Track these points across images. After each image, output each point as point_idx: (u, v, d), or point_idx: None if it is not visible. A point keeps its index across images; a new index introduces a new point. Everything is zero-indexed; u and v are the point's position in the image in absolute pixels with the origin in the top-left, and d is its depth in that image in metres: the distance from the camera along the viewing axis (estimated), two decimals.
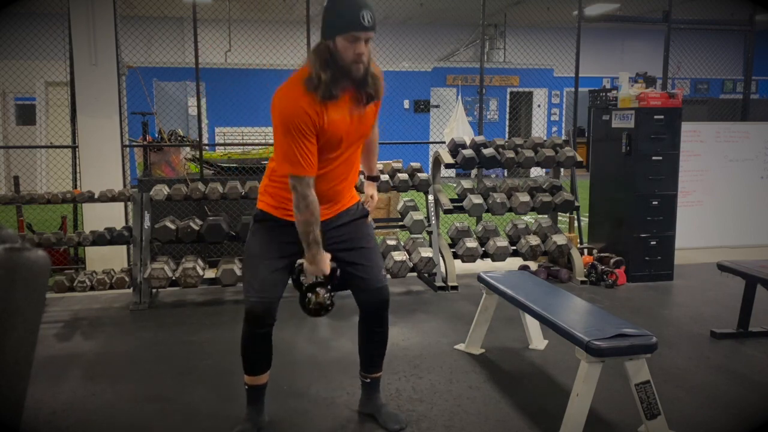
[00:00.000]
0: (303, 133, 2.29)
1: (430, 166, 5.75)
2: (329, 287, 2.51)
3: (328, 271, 2.47)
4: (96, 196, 4.90)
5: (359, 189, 3.26)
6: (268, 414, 2.80)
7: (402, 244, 5.18)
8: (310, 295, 2.49)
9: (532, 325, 3.78)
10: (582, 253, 5.54)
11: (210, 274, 4.84)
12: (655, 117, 5.19)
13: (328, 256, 2.48)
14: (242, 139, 10.99)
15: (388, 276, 4.97)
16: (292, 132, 2.29)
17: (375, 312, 2.69)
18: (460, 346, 3.78)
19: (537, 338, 3.79)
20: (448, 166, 5.37)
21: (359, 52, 2.27)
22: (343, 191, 2.61)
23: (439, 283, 5.08)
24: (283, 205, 2.52)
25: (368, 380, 2.86)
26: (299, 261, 2.52)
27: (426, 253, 4.96)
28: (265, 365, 2.70)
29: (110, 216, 5.31)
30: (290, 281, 2.59)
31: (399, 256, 4.88)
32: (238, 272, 4.71)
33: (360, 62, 2.29)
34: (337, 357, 3.62)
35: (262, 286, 2.51)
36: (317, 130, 2.32)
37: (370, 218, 2.76)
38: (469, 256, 5.12)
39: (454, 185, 5.70)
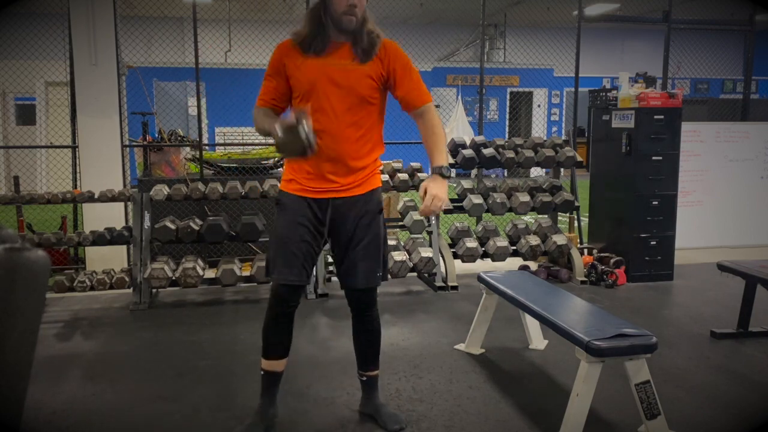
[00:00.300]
0: (270, 69, 2.53)
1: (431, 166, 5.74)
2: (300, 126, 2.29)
3: (292, 120, 2.30)
4: (96, 196, 4.90)
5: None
6: (279, 408, 2.78)
7: (402, 244, 5.18)
8: (283, 137, 2.32)
9: (532, 325, 3.78)
10: (582, 253, 5.54)
11: (210, 274, 4.84)
12: (655, 117, 5.19)
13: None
14: (242, 139, 10.97)
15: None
16: (268, 66, 2.54)
17: (358, 310, 2.72)
18: (460, 346, 3.77)
19: (537, 338, 3.79)
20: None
21: (351, 3, 2.37)
22: (345, 162, 2.49)
23: (439, 283, 5.08)
24: (290, 176, 2.58)
25: (364, 378, 2.85)
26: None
27: (426, 253, 4.96)
28: (282, 350, 2.68)
29: (110, 216, 5.31)
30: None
31: (399, 256, 4.88)
32: (238, 272, 4.72)
33: (352, 14, 2.38)
34: (337, 357, 3.62)
35: (286, 267, 2.53)
36: (285, 70, 2.48)
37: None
38: (469, 256, 5.12)
39: (454, 185, 5.70)
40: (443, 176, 2.48)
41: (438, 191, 2.44)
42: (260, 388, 2.74)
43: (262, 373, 2.71)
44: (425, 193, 2.45)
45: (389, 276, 4.91)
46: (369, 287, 2.67)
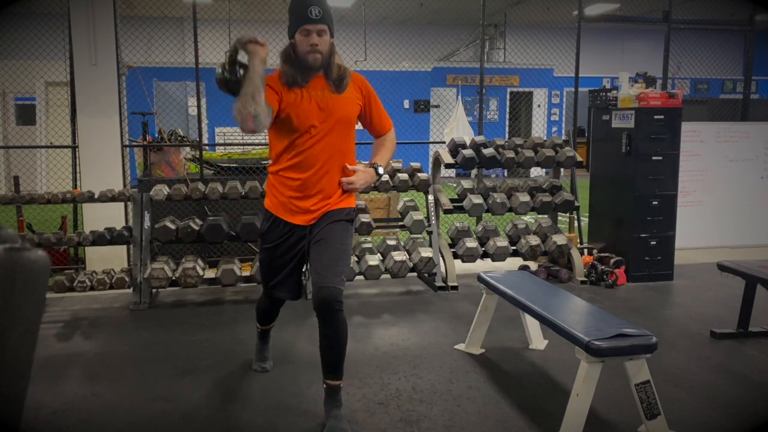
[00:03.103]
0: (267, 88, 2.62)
1: (430, 166, 5.75)
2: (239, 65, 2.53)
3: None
4: (96, 196, 4.90)
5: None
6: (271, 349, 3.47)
7: (402, 244, 5.18)
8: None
9: (532, 325, 3.78)
10: (582, 253, 5.54)
11: (210, 274, 4.84)
12: (655, 117, 5.19)
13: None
14: (242, 139, 10.98)
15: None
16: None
17: (319, 312, 2.66)
18: (460, 346, 3.78)
19: (537, 338, 3.79)
20: (448, 166, 5.37)
21: (312, 43, 2.61)
22: (327, 185, 2.74)
23: (439, 283, 5.08)
24: (274, 193, 2.82)
25: (324, 385, 2.78)
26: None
27: (426, 253, 4.96)
28: (273, 319, 3.33)
29: (110, 216, 5.31)
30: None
31: (399, 256, 4.88)
32: (238, 272, 4.72)
33: (315, 52, 2.62)
34: None
35: (277, 287, 2.95)
36: (280, 95, 2.66)
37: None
38: (469, 256, 5.12)
39: (454, 185, 5.70)
40: (376, 171, 2.83)
41: (363, 177, 2.78)
42: (256, 337, 3.46)
43: (257, 330, 3.41)
44: (353, 172, 2.77)
45: (390, 276, 4.93)
46: (336, 287, 2.71)
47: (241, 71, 2.49)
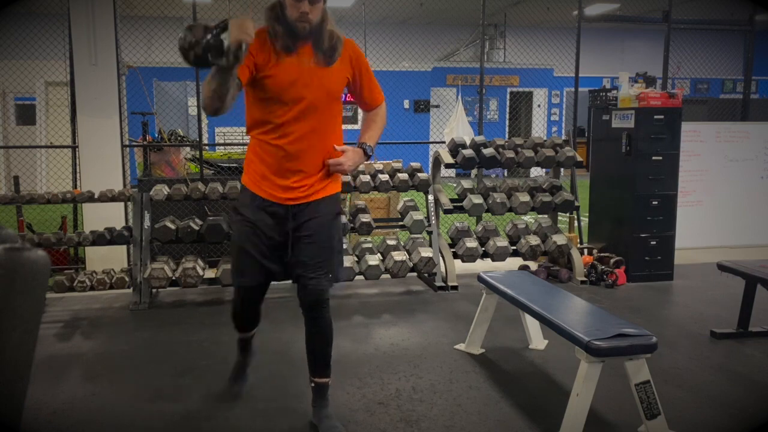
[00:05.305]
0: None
1: (430, 166, 5.75)
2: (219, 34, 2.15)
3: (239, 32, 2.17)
4: (96, 196, 4.90)
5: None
6: (257, 353, 3.08)
7: (402, 244, 5.18)
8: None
9: (532, 325, 3.78)
10: (582, 253, 5.54)
11: (210, 274, 4.84)
12: (655, 117, 5.19)
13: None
14: (242, 139, 10.98)
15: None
16: None
17: (307, 311, 2.63)
18: (460, 346, 3.78)
19: (537, 338, 3.79)
20: (448, 166, 5.37)
21: (303, 11, 2.36)
22: (312, 163, 2.53)
23: (439, 283, 5.08)
24: (252, 168, 2.57)
25: (312, 384, 2.75)
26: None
27: (426, 253, 4.96)
28: (254, 325, 2.93)
29: (110, 216, 5.31)
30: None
31: (399, 256, 4.88)
32: None
33: (304, 21, 2.38)
34: (336, 357, 3.59)
35: (247, 272, 2.61)
36: (260, 59, 2.40)
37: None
38: (469, 256, 5.12)
39: (454, 185, 5.70)
40: (365, 152, 2.64)
41: (352, 158, 2.59)
42: (237, 347, 3.02)
43: (238, 338, 2.97)
44: (342, 153, 2.58)
45: (390, 276, 4.93)
46: (324, 286, 2.64)
47: (226, 43, 2.13)
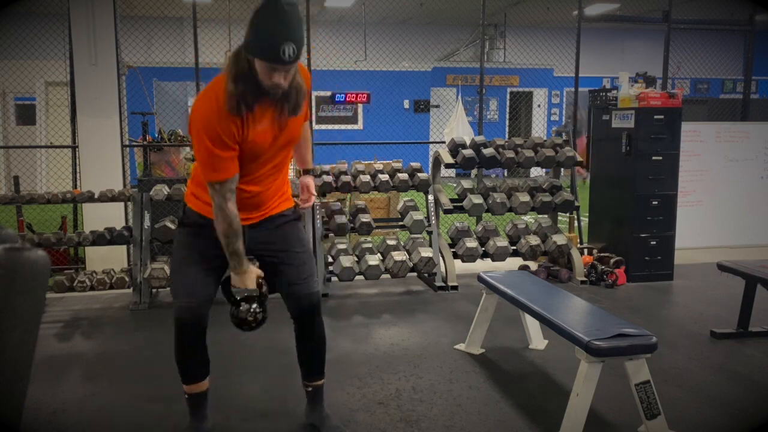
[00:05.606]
0: (223, 141, 2.21)
1: (430, 166, 5.75)
2: (257, 302, 2.40)
3: (252, 285, 2.38)
4: (96, 196, 4.90)
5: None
6: (212, 420, 2.74)
7: (402, 244, 5.18)
8: (233, 308, 2.41)
9: (532, 325, 3.78)
10: (582, 253, 5.54)
11: None
12: (655, 117, 5.19)
13: (254, 270, 2.40)
14: None
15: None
16: (213, 137, 2.20)
17: (303, 319, 2.62)
18: (460, 346, 3.78)
19: (537, 338, 3.79)
20: (448, 166, 5.37)
21: (277, 83, 2.16)
22: (271, 197, 2.51)
23: (439, 283, 5.08)
24: (206, 200, 2.42)
25: (309, 389, 2.74)
26: (229, 272, 2.43)
27: (426, 253, 4.96)
28: (203, 372, 2.64)
29: (110, 216, 5.31)
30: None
31: (399, 256, 4.88)
32: None
33: (278, 89, 2.19)
34: (336, 357, 3.62)
35: (189, 290, 2.48)
36: (239, 139, 2.25)
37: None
38: (469, 256, 5.12)
39: (454, 185, 5.70)
40: (314, 177, 2.93)
41: (313, 188, 2.77)
42: (187, 409, 2.67)
43: (186, 396, 2.64)
44: (307, 189, 2.74)
45: (390, 276, 4.93)
46: (316, 290, 2.65)
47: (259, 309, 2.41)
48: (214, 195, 2.29)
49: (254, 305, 2.40)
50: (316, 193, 2.80)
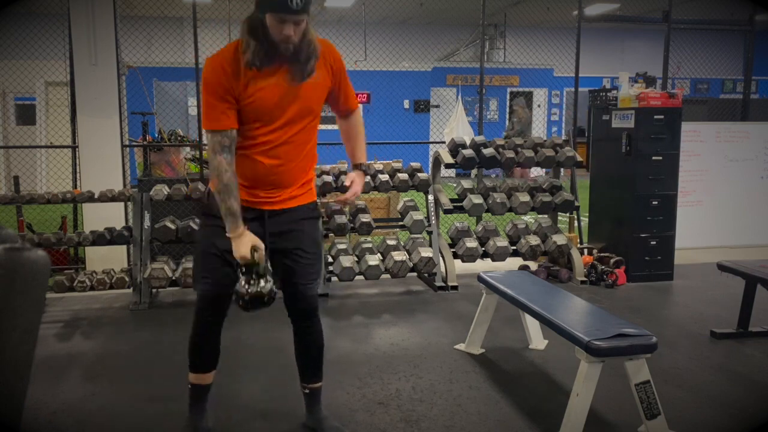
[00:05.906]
0: (217, 91, 2.30)
1: (430, 166, 5.75)
2: (253, 273, 2.30)
3: (245, 253, 2.29)
4: (96, 196, 4.90)
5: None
6: (211, 419, 2.73)
7: (402, 244, 5.18)
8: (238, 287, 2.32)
9: (532, 325, 3.78)
10: (582, 253, 5.54)
11: None
12: (655, 117, 5.19)
13: (249, 236, 2.32)
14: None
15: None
16: (210, 87, 2.32)
17: (301, 320, 2.62)
18: (460, 346, 3.78)
19: (537, 338, 3.79)
20: (448, 166, 5.36)
21: (287, 34, 2.23)
22: (290, 177, 2.46)
23: (439, 283, 5.08)
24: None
25: (307, 391, 2.73)
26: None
27: (426, 253, 4.96)
28: (212, 361, 2.62)
29: (110, 216, 5.31)
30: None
31: (399, 256, 4.88)
32: None
33: (288, 42, 2.25)
34: (336, 357, 3.62)
35: (213, 275, 2.46)
36: (237, 90, 2.31)
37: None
38: (469, 256, 5.12)
39: (454, 185, 5.70)
40: (365, 173, 2.73)
41: (360, 184, 2.66)
42: (188, 401, 2.65)
43: (189, 386, 2.64)
44: (351, 183, 2.65)
45: (390, 276, 4.93)
46: (315, 293, 2.63)
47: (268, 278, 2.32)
48: (208, 148, 2.38)
49: (246, 277, 2.30)
50: (359, 190, 2.64)
